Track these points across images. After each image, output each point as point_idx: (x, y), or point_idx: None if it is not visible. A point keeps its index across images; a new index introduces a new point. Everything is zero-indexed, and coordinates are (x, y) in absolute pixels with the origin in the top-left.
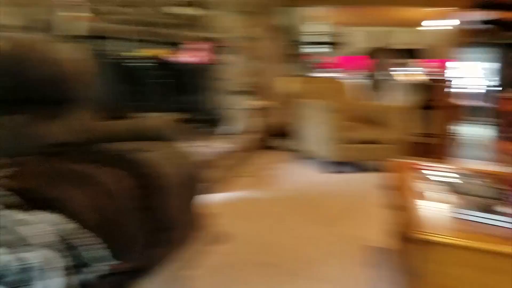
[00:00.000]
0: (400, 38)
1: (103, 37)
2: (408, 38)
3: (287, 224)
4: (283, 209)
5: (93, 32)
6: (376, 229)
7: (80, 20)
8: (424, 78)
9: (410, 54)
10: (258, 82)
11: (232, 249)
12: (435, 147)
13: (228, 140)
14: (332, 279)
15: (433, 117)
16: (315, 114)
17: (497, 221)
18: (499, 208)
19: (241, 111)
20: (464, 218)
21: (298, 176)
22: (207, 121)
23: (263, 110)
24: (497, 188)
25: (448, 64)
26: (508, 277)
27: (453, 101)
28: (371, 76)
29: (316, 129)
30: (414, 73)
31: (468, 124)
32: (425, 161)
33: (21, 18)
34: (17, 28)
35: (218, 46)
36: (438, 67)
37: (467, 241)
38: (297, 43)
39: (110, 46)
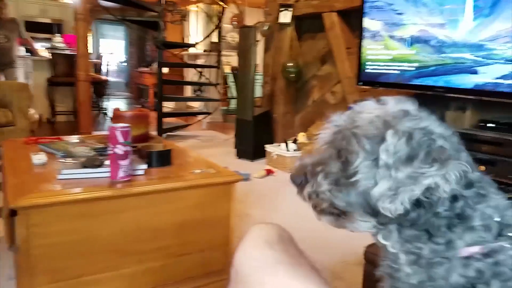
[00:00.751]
0: (28, 9)
1: None
2: (38, 10)
3: None
4: None
5: None
6: None
7: None
8: (55, 53)
9: (39, 27)
10: None
11: None
12: (78, 123)
13: None
14: None
15: (70, 94)
16: None
17: (98, 173)
18: (100, 163)
19: None
20: (69, 177)
21: None
22: None
23: None
24: (100, 147)
25: (80, 39)
26: (106, 216)
27: (90, 76)
28: None
29: None
30: (44, 48)
31: (108, 98)
32: (43, 137)
33: None
34: None
35: None
36: (70, 42)
37: (63, 196)
38: None
39: None
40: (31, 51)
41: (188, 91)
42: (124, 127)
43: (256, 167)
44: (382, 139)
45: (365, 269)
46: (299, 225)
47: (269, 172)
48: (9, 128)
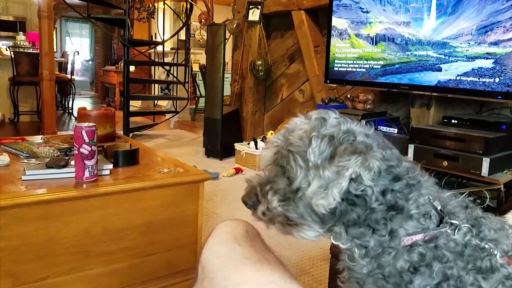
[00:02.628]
0: None
1: None
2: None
3: None
4: None
5: None
6: None
7: None
8: (17, 52)
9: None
10: None
11: None
12: (42, 123)
13: None
14: None
15: (34, 93)
16: None
17: (63, 174)
18: (65, 163)
19: None
20: (33, 178)
21: None
22: None
23: None
24: (65, 147)
25: (44, 37)
26: (69, 217)
27: (54, 75)
28: None
29: None
30: (7, 46)
31: (73, 97)
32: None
33: None
34: None
35: None
36: (31, 40)
37: (28, 197)
38: None
39: None
40: None
41: (156, 90)
42: (89, 126)
43: (225, 166)
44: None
45: (331, 263)
46: None
47: (238, 171)
48: None
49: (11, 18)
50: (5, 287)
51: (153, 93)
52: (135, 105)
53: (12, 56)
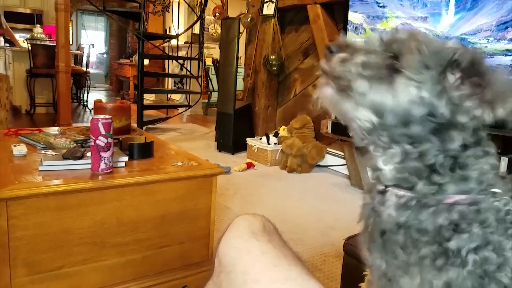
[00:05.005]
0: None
1: None
2: (18, 1)
3: None
4: None
5: None
6: None
7: None
8: (35, 44)
9: (18, 17)
10: None
11: None
12: (57, 115)
13: None
14: None
15: (50, 85)
16: None
17: (79, 165)
18: (81, 154)
19: None
20: (50, 169)
21: None
22: None
23: None
24: (81, 139)
25: (60, 30)
26: (84, 208)
27: (70, 68)
28: None
29: None
30: (25, 39)
31: (88, 90)
32: (23, 129)
33: None
34: None
35: None
36: (49, 33)
37: (44, 187)
38: None
39: None
40: (10, 41)
41: (169, 83)
42: (106, 118)
43: (236, 160)
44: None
45: (345, 261)
46: (278, 218)
47: (249, 166)
48: None
49: (28, 11)
50: (21, 276)
51: (166, 87)
52: (148, 98)
53: (29, 48)
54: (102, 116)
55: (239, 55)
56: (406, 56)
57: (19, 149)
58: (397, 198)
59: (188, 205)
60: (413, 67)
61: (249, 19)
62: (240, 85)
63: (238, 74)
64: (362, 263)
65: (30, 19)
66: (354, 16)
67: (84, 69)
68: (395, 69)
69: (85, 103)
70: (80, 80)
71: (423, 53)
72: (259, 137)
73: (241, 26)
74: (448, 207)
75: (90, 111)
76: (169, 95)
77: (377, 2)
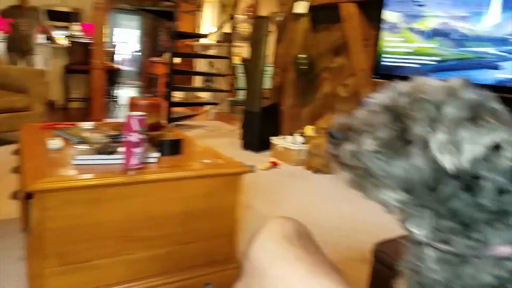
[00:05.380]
0: None
1: None
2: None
3: None
4: None
5: None
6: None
7: None
8: (73, 41)
9: (57, 15)
10: None
11: None
12: (89, 110)
13: None
14: None
15: (86, 81)
16: None
17: (112, 160)
18: (114, 149)
19: None
20: (80, 163)
21: None
22: None
23: None
24: (114, 134)
25: (96, 28)
26: (113, 202)
27: (104, 64)
28: (10, 38)
29: None
30: (62, 36)
31: (119, 86)
32: (58, 123)
33: None
34: None
35: None
36: (86, 31)
37: (74, 181)
38: None
39: None
40: (50, 38)
41: (197, 81)
42: (140, 115)
43: (261, 159)
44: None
45: (374, 268)
46: (302, 218)
47: (273, 165)
48: (25, 113)
49: (67, 9)
50: (51, 266)
51: (194, 85)
52: (177, 96)
53: (67, 45)
54: (137, 113)
55: (268, 54)
56: (416, 124)
57: (54, 143)
58: (436, 253)
59: (214, 203)
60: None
61: (279, 18)
62: (267, 84)
63: (266, 72)
64: (393, 270)
65: (68, 17)
66: (390, 15)
67: (117, 66)
68: (407, 140)
69: (117, 99)
70: (112, 77)
71: (432, 115)
72: (284, 136)
73: (271, 24)
74: (494, 261)
75: (121, 107)
76: (196, 93)
77: (415, 1)
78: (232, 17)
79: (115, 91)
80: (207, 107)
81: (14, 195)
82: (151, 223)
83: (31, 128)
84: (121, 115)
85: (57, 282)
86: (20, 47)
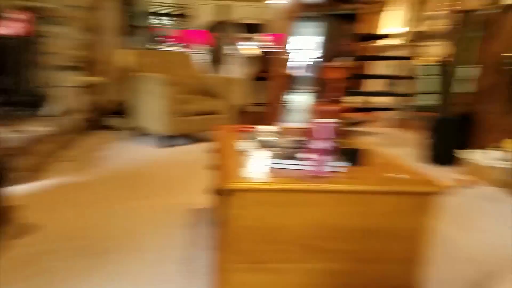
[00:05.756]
0: (241, 13)
1: None
2: (249, 13)
3: (108, 205)
4: (107, 191)
5: None
6: (202, 193)
7: None
8: (258, 51)
9: (249, 28)
10: (91, 56)
11: (40, 239)
12: (266, 115)
13: (49, 122)
14: (146, 247)
15: (266, 87)
16: (150, 89)
17: (297, 166)
18: (299, 155)
19: (67, 89)
20: (271, 166)
21: (131, 154)
22: (26, 102)
23: (93, 86)
24: (299, 140)
25: (281, 37)
26: (299, 208)
27: (284, 72)
28: (212, 50)
29: (151, 104)
30: (251, 46)
31: (296, 92)
32: (248, 126)
33: None
34: None
35: (41, 16)
36: (273, 41)
37: (262, 184)
38: (140, 14)
39: None
40: (240, 49)
41: (371, 85)
42: (331, 122)
43: (450, 176)
44: None
45: None
46: (499, 252)
47: (465, 183)
48: (215, 115)
49: (257, 21)
50: (239, 261)
51: (366, 89)
52: (353, 100)
53: (257, 54)
54: (326, 120)
55: (472, 53)
56: None
57: (245, 145)
58: None
59: (397, 223)
60: None
61: (487, 12)
62: (466, 87)
63: (466, 74)
64: None
65: (258, 28)
66: None
67: (295, 72)
68: None
69: (290, 104)
70: (288, 83)
71: None
72: (478, 150)
73: (477, 19)
74: None
75: (294, 112)
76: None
77: None
78: (423, 15)
79: (289, 96)
80: (382, 113)
81: (216, 191)
82: (330, 235)
83: (224, 129)
84: (293, 120)
85: (241, 278)
86: (218, 58)
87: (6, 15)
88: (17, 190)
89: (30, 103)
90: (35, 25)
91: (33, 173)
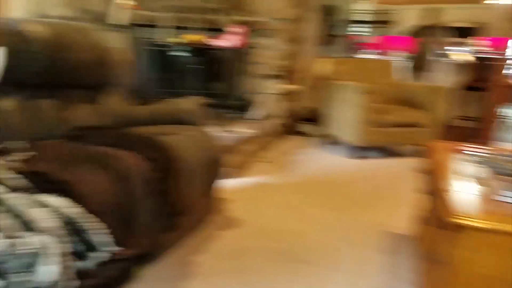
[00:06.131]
0: (453, 16)
1: (144, 25)
2: (461, 15)
3: (304, 210)
4: (301, 195)
5: (136, 20)
6: (401, 215)
7: (125, 8)
8: (471, 57)
9: (460, 32)
10: (292, 65)
11: (243, 235)
12: (477, 131)
13: (253, 125)
14: (343, 267)
15: (479, 99)
16: (345, 97)
17: None
18: None
19: (269, 96)
20: (502, 200)
21: (322, 162)
22: (236, 106)
23: (291, 94)
24: None
25: (503, 42)
26: None
27: (505, 81)
28: (414, 56)
29: (345, 112)
30: (462, 52)
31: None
32: (465, 144)
33: (74, 9)
34: (69, 18)
35: (254, 29)
36: (491, 46)
37: (502, 224)
38: (339, 23)
39: (150, 34)
40: (446, 55)
41: None
42: None
43: None
44: None
45: None
46: None
47: None
48: (416, 129)
49: (469, 25)
50: None
51: None
52: None
53: (468, 61)
54: None
55: None
56: None
57: (469, 169)
58: None
59: None
60: None
61: None
62: None
63: None
64: None
65: (470, 32)
66: None
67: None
68: None
69: (507, 119)
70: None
71: None
72: None
73: None
74: None
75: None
76: None
77: None
78: None
79: (506, 110)
80: None
81: (437, 223)
82: None
83: (438, 147)
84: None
85: None
86: (421, 65)
87: (227, 29)
88: (226, 184)
89: (238, 107)
90: (249, 37)
91: (238, 170)
